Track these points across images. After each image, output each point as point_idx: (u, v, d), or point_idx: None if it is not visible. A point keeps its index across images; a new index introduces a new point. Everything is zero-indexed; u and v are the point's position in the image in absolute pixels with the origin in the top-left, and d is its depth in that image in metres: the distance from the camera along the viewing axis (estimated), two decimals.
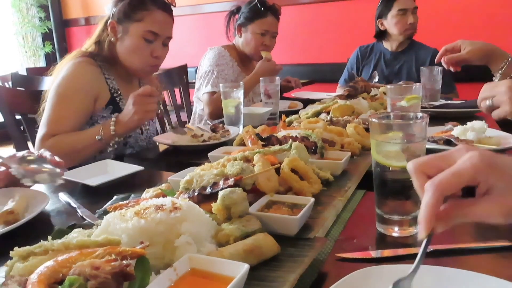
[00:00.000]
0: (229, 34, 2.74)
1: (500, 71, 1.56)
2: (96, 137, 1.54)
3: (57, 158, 0.90)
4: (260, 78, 2.19)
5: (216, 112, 2.42)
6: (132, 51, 1.70)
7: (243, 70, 2.67)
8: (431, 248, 0.76)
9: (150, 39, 1.69)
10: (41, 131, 1.60)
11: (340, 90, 2.97)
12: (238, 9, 2.68)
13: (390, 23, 2.83)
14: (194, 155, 1.52)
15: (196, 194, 0.86)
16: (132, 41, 1.69)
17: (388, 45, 2.94)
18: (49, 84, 1.71)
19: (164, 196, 0.88)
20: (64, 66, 1.69)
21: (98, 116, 1.70)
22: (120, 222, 0.70)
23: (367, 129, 1.41)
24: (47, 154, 0.91)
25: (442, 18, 3.73)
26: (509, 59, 1.56)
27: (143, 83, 1.95)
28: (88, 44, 1.77)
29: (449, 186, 0.55)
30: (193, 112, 2.80)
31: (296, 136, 1.21)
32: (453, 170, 0.55)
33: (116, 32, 1.70)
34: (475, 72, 3.51)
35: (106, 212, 0.92)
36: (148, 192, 0.97)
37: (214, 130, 1.70)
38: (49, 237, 0.66)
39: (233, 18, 2.71)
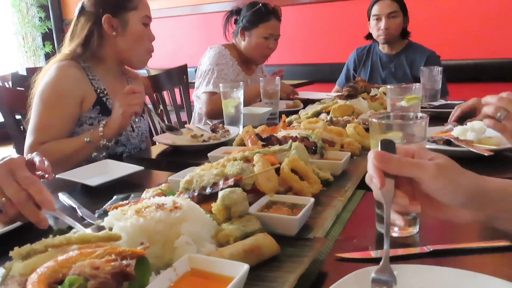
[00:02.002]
0: (227, 34, 2.72)
1: None
2: (85, 139, 1.55)
3: (46, 163, 0.90)
4: (260, 78, 2.18)
5: (214, 112, 2.41)
6: (138, 40, 1.73)
7: (243, 69, 2.66)
8: (430, 248, 0.76)
9: (147, 23, 1.73)
10: (29, 140, 1.59)
11: (336, 90, 2.98)
12: (237, 11, 2.65)
13: (370, 26, 2.87)
14: (194, 155, 1.52)
15: (196, 194, 0.86)
16: (135, 29, 1.71)
17: (381, 48, 2.94)
18: (34, 89, 1.69)
19: (164, 196, 0.88)
20: (47, 71, 1.68)
21: (86, 117, 1.69)
22: (119, 221, 0.70)
23: (367, 129, 1.41)
24: (37, 159, 0.90)
25: (437, 17, 3.74)
26: None
27: (131, 82, 1.95)
28: (71, 47, 1.73)
29: (390, 163, 0.63)
30: (193, 111, 2.79)
31: (296, 136, 1.21)
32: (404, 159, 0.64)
33: (113, 26, 1.68)
34: (467, 73, 3.53)
35: (106, 212, 0.92)
36: (148, 192, 0.97)
37: (214, 130, 1.70)
38: (50, 237, 0.66)
39: (232, 18, 2.68)
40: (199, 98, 2.59)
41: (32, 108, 1.64)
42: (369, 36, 2.96)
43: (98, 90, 1.72)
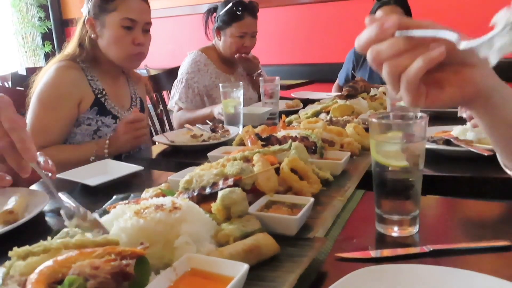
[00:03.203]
0: (209, 33, 2.65)
1: None
2: (91, 158, 1.56)
3: (50, 162, 0.90)
4: (260, 78, 2.18)
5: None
6: (113, 42, 1.69)
7: (223, 70, 2.59)
8: (430, 248, 0.76)
9: (128, 26, 1.68)
10: None
11: (335, 90, 2.95)
12: (215, 8, 2.58)
13: None
14: (193, 155, 1.51)
15: (195, 194, 0.86)
16: (111, 32, 1.68)
17: None
18: (33, 90, 1.69)
19: (163, 196, 0.88)
20: (46, 71, 1.68)
21: (84, 118, 1.69)
22: (119, 222, 0.70)
23: (366, 129, 1.41)
24: (41, 159, 0.90)
25: (439, 17, 3.73)
26: None
27: (131, 81, 1.94)
28: (70, 47, 1.75)
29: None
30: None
31: (295, 136, 1.21)
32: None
33: (94, 27, 1.70)
34: None
35: (105, 212, 0.92)
36: (148, 192, 0.97)
37: (213, 130, 1.70)
38: (49, 237, 0.66)
39: (211, 17, 2.62)
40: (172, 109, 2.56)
41: (29, 109, 1.64)
42: None
43: (97, 91, 1.72)
